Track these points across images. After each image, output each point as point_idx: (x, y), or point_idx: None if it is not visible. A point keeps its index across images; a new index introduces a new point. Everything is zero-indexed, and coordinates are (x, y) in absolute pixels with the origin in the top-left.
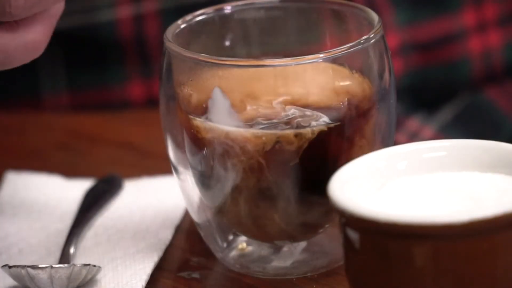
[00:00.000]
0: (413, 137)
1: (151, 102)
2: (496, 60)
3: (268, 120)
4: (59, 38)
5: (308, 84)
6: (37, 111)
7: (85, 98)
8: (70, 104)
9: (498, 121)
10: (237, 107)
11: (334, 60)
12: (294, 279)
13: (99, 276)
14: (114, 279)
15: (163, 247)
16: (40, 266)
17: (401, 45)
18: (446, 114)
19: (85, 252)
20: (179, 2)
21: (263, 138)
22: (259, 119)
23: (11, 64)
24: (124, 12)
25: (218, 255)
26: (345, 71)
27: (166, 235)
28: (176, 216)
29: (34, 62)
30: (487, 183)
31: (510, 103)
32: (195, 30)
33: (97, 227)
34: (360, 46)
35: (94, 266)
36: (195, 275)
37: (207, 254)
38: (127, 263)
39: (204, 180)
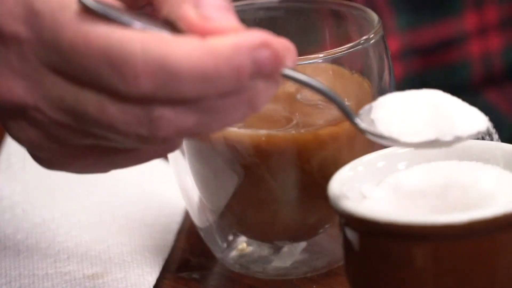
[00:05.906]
0: None
1: None
2: (496, 63)
3: (268, 120)
4: None
5: None
6: None
7: None
8: None
9: (498, 124)
10: None
11: (334, 61)
12: (294, 280)
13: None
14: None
15: (166, 249)
16: None
17: (401, 49)
18: None
19: (87, 257)
20: None
21: (263, 138)
22: (259, 120)
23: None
24: None
25: (218, 255)
26: (345, 71)
27: (168, 238)
28: (176, 219)
29: None
30: (486, 182)
31: (510, 106)
32: None
33: (98, 228)
34: (360, 46)
35: None
36: (195, 275)
37: (207, 254)
38: (134, 265)
39: (204, 181)
